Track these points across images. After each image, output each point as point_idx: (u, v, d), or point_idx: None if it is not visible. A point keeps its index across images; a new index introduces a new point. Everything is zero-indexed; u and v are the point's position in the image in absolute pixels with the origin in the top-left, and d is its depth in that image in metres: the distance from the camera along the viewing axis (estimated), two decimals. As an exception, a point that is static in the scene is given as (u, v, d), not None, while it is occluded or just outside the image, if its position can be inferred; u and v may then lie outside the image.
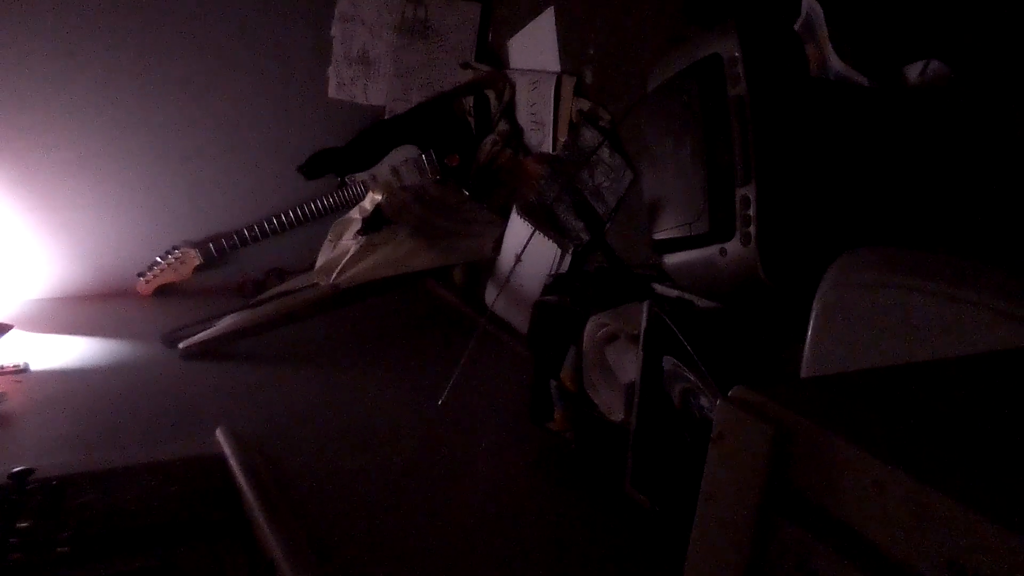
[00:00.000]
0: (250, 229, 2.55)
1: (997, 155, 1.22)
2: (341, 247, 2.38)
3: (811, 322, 1.01)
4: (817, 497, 0.45)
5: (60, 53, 2.29)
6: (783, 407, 0.46)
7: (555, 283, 1.96)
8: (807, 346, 1.01)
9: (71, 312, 2.39)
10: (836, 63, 1.43)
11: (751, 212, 1.12)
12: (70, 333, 2.23)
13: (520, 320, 2.14)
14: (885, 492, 0.41)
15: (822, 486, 0.44)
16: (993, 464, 0.43)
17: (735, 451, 0.48)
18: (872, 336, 0.95)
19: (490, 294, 2.36)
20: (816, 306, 1.00)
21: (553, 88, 2.22)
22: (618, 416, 1.52)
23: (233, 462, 1.55)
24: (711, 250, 1.20)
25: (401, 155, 2.58)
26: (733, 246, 1.16)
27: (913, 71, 1.33)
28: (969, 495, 0.39)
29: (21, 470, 1.37)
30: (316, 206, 2.57)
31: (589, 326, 1.58)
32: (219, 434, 1.65)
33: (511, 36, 2.49)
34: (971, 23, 1.26)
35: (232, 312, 2.23)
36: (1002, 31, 1.22)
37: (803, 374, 1.02)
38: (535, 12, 2.32)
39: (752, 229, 1.12)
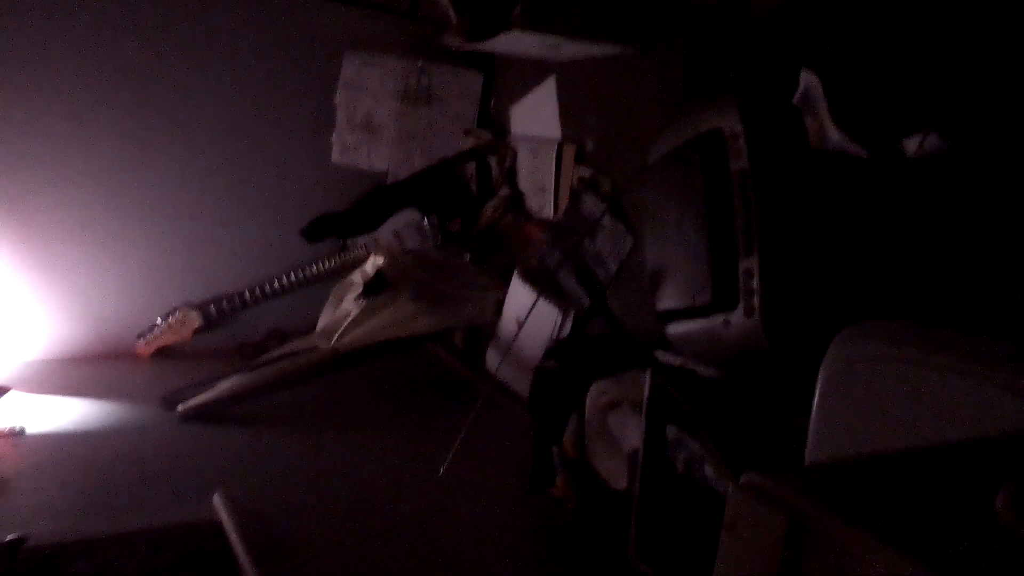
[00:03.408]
0: (251, 291, 2.55)
1: (994, 228, 1.23)
2: (342, 310, 2.38)
3: (816, 394, 1.00)
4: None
5: (66, 115, 2.32)
6: (798, 496, 0.45)
7: (556, 348, 1.95)
8: (812, 419, 1.01)
9: (69, 374, 2.38)
10: (835, 136, 1.45)
11: (754, 284, 1.13)
12: (68, 395, 2.21)
13: (522, 385, 2.12)
14: (903, 585, 0.41)
15: (838, 576, 0.44)
16: (1006, 552, 0.43)
17: (748, 540, 0.47)
18: (877, 409, 0.95)
19: (492, 359, 2.36)
20: (821, 378, 1.00)
21: (554, 155, 2.25)
22: (621, 484, 1.51)
23: (230, 529, 1.53)
24: (715, 321, 1.21)
25: (403, 219, 2.60)
26: (737, 317, 1.16)
27: (911, 144, 1.35)
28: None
29: (13, 539, 1.34)
30: (317, 269, 2.57)
31: (591, 393, 1.57)
32: (216, 500, 1.63)
33: (513, 104, 2.53)
34: (968, 98, 1.28)
35: (232, 375, 2.22)
36: (998, 106, 1.24)
37: (808, 447, 1.02)
38: (537, 81, 2.36)
39: (756, 301, 1.13)
